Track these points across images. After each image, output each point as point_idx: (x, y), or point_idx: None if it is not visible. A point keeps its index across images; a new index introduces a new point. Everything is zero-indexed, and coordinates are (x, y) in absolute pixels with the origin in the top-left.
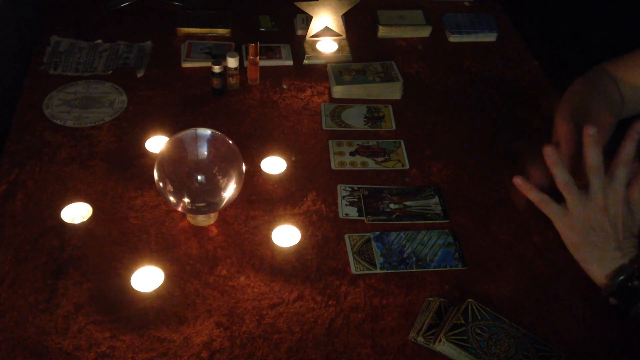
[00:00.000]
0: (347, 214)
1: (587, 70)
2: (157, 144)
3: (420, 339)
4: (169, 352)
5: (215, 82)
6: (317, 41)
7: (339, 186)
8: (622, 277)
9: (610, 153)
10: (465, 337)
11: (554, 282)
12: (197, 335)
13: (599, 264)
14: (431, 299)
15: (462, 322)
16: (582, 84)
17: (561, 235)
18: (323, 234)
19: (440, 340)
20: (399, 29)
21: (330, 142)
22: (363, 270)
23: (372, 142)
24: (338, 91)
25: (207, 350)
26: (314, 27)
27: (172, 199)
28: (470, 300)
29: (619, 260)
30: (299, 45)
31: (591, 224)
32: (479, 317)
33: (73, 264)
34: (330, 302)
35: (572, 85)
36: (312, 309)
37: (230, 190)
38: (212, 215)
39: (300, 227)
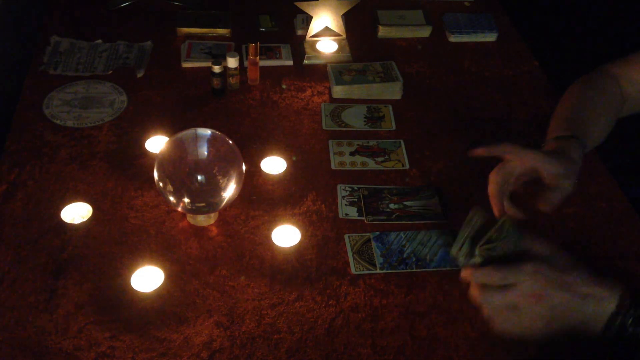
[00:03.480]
0: (347, 214)
1: (589, 71)
2: (157, 144)
3: (461, 259)
4: (169, 352)
5: (215, 82)
6: (317, 41)
7: (339, 186)
8: (614, 329)
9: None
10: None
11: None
12: (197, 335)
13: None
14: (476, 212)
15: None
16: (581, 85)
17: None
18: (323, 234)
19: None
20: (399, 29)
21: (330, 142)
22: (363, 270)
23: (372, 142)
24: (338, 91)
25: (207, 350)
26: (314, 27)
27: (172, 199)
28: (505, 218)
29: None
30: (299, 45)
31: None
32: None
33: (73, 264)
34: (330, 302)
35: (572, 85)
36: (312, 309)
37: (230, 190)
38: (212, 215)
39: (300, 227)
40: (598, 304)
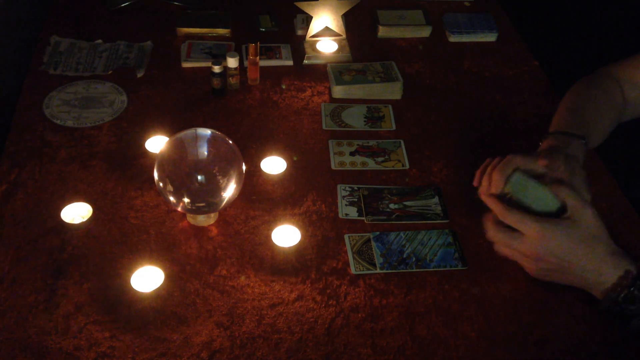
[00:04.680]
0: (347, 214)
1: (590, 71)
2: (157, 144)
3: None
4: (169, 352)
5: (215, 82)
6: (317, 41)
7: (339, 186)
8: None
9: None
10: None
11: (554, 282)
12: (197, 335)
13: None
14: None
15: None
16: (584, 85)
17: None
18: (323, 234)
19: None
20: (399, 29)
21: (330, 142)
22: (363, 270)
23: (372, 142)
24: (338, 91)
25: (207, 350)
26: (314, 27)
27: (172, 199)
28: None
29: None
30: (299, 45)
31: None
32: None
33: (73, 264)
34: (330, 302)
35: (575, 85)
36: (312, 309)
37: (230, 190)
38: (212, 215)
39: (300, 227)
40: (597, 277)
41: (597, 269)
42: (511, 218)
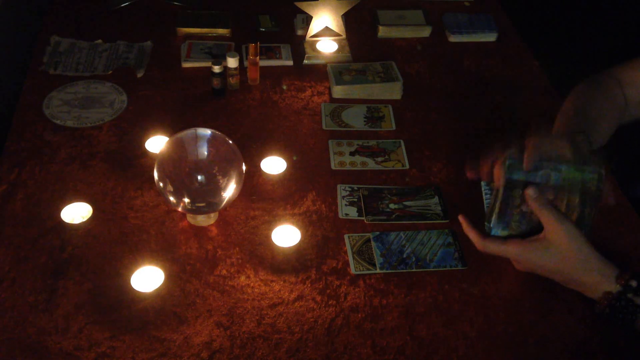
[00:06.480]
0: (347, 214)
1: (590, 71)
2: (157, 144)
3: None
4: (169, 352)
5: (215, 82)
6: (317, 41)
7: (338, 186)
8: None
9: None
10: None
11: (554, 282)
12: (197, 335)
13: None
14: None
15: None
16: (585, 87)
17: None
18: (323, 234)
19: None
20: (399, 29)
21: (330, 142)
22: (363, 270)
23: (372, 142)
24: (338, 91)
25: (207, 350)
26: (314, 27)
27: (172, 199)
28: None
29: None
30: (299, 45)
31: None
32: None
33: (73, 264)
34: (330, 302)
35: (575, 87)
36: (312, 309)
37: (230, 190)
38: (212, 215)
39: (300, 227)
40: (582, 291)
41: (579, 286)
42: (491, 249)
